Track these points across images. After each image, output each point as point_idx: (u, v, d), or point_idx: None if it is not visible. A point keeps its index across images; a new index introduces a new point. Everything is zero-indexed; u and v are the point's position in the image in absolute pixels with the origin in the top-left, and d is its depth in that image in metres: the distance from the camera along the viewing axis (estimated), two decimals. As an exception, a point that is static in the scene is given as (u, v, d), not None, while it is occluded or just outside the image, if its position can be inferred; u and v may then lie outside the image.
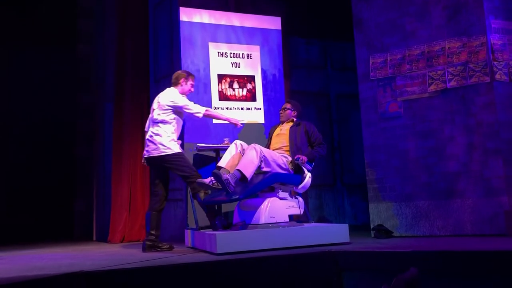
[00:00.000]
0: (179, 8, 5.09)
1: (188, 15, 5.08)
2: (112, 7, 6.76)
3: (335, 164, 6.95)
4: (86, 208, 7.63)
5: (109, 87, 6.66)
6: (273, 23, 5.41)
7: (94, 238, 6.77)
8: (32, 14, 8.05)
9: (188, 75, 4.44)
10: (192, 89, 4.49)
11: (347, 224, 4.07)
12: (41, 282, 2.61)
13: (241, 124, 4.51)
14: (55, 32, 8.11)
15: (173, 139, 4.23)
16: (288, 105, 4.62)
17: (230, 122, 4.48)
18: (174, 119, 4.28)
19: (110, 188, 6.15)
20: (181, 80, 4.39)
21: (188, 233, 4.51)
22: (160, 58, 6.22)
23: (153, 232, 4.21)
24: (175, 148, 4.23)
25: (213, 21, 5.17)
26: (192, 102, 4.36)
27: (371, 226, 4.76)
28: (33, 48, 7.18)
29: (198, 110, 4.28)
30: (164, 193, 4.32)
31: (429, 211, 4.50)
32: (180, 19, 5.05)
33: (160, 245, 4.21)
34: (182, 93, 4.39)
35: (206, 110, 4.32)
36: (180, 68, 5.00)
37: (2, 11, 7.81)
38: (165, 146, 4.21)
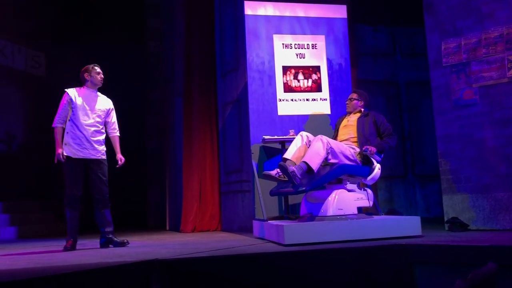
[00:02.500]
0: (243, 2, 5.14)
1: (253, 8, 5.12)
2: (179, 4, 6.97)
3: (406, 154, 6.72)
4: (159, 198, 7.99)
5: (178, 82, 6.88)
6: (338, 11, 5.31)
7: (167, 228, 7.07)
8: (105, 14, 8.49)
9: (90, 66, 4.32)
10: (101, 76, 4.33)
11: (419, 217, 3.94)
12: (121, 268, 2.78)
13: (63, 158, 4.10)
14: (127, 31, 8.50)
15: (65, 143, 4.14)
16: (355, 95, 4.52)
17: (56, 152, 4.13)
18: (68, 121, 4.19)
19: (181, 179, 6.38)
20: (85, 75, 4.28)
21: (256, 224, 4.59)
22: (226, 52, 6.33)
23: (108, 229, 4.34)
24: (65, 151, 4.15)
25: (277, 13, 5.17)
26: (60, 111, 4.19)
27: (445, 219, 4.57)
28: (106, 47, 7.57)
29: (55, 122, 4.18)
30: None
31: (510, 204, 4.23)
32: (245, 13, 5.10)
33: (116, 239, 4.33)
34: (94, 84, 4.30)
35: (56, 127, 4.16)
36: (245, 62, 5.06)
37: (76, 12, 8.29)
38: None
